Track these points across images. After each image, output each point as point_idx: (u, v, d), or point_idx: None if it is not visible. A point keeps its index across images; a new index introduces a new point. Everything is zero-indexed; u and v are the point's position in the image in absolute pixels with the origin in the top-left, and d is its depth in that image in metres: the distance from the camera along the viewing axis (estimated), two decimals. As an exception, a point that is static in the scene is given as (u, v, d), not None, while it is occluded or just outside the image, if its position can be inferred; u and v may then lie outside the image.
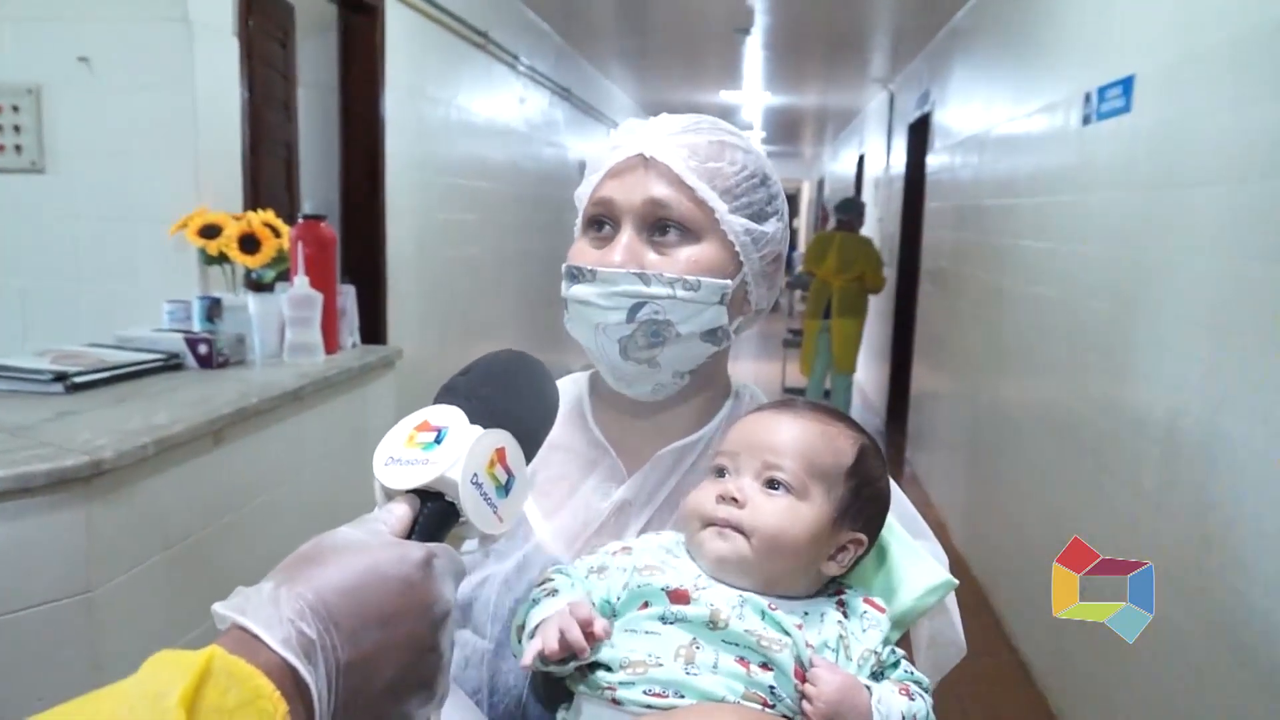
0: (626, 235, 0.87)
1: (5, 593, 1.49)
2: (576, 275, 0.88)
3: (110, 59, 2.62)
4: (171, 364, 2.27)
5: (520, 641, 0.78)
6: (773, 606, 0.77)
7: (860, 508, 0.83)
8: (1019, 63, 4.14)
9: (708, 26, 6.49)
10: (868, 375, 8.42)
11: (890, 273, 6.86)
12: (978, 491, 4.42)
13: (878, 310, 7.58)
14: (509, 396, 0.72)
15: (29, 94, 2.63)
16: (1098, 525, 2.75)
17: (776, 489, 0.80)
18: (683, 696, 0.73)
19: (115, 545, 1.64)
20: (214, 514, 1.96)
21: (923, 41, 6.39)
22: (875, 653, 0.78)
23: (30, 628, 1.51)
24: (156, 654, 0.48)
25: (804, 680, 0.74)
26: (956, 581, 0.86)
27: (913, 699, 0.77)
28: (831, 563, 0.82)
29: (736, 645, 0.74)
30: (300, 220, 2.51)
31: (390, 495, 0.63)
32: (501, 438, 0.66)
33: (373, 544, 0.57)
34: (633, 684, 0.74)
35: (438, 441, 0.64)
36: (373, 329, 3.71)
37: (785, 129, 13.32)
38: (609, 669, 0.75)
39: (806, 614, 0.78)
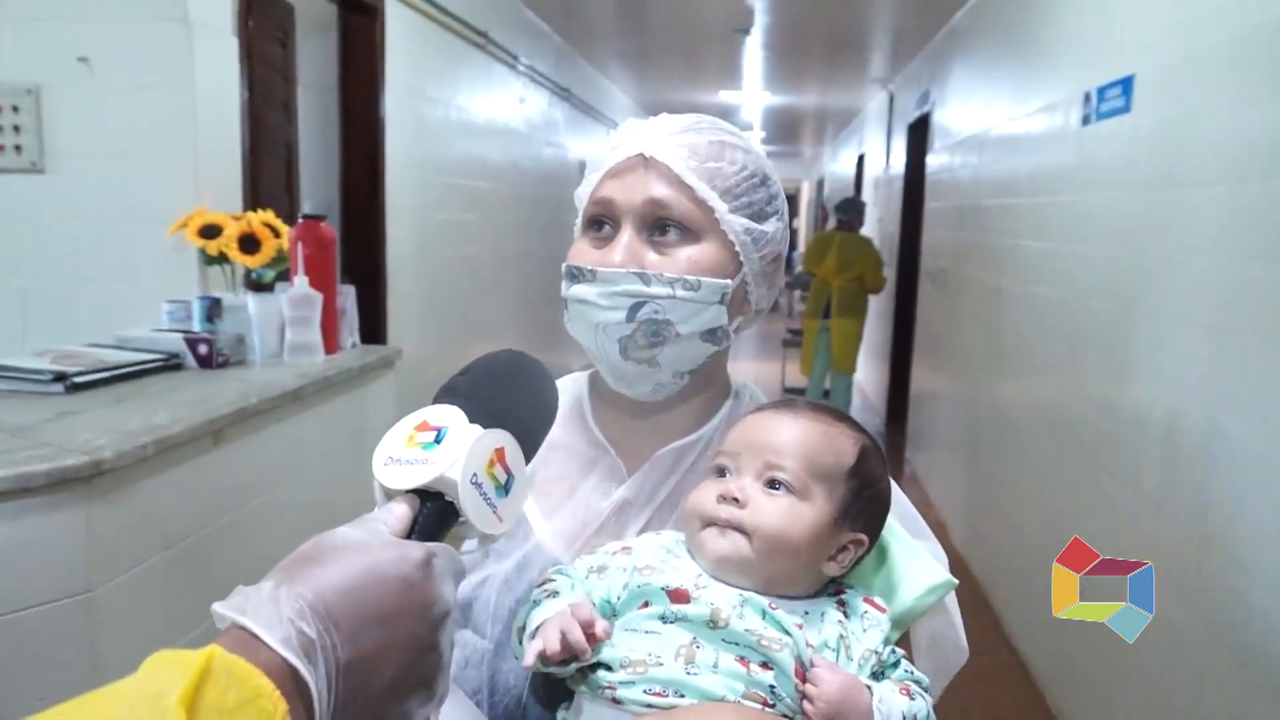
0: (626, 235, 0.87)
1: (5, 593, 1.49)
2: (576, 275, 0.88)
3: (110, 59, 2.62)
4: (171, 364, 2.27)
5: (521, 643, 0.78)
6: (773, 606, 0.77)
7: (861, 508, 0.83)
8: (1018, 63, 4.14)
9: (707, 27, 6.49)
10: (867, 375, 8.42)
11: (890, 273, 6.86)
12: (977, 491, 4.42)
13: (877, 310, 7.58)
14: (509, 396, 0.72)
15: (29, 94, 2.63)
16: (1097, 525, 2.75)
17: (778, 489, 0.80)
18: (683, 696, 0.73)
19: (115, 545, 1.64)
20: (214, 514, 1.96)
21: (922, 41, 6.39)
22: (876, 652, 0.78)
23: (30, 628, 1.51)
24: (156, 653, 0.48)
25: (804, 680, 0.74)
26: (956, 581, 0.86)
27: (913, 698, 0.77)
28: (832, 563, 0.82)
29: (737, 645, 0.74)
30: (300, 220, 2.51)
31: (390, 495, 0.63)
32: (501, 438, 0.66)
33: (372, 544, 0.57)
34: (633, 683, 0.74)
35: (437, 441, 0.64)
36: (372, 329, 3.71)
37: (785, 129, 13.32)
38: (609, 668, 0.75)
39: (807, 614, 0.78)
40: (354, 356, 2.64)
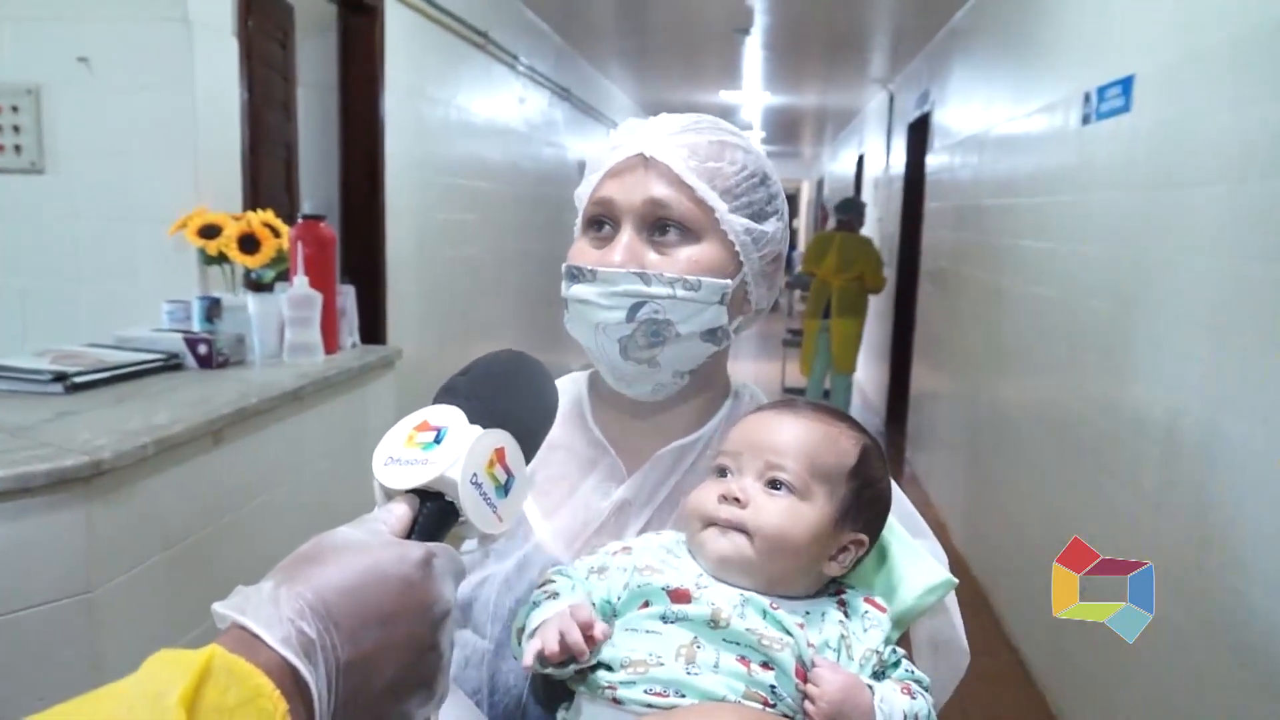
0: (626, 235, 0.87)
1: (5, 593, 1.49)
2: (577, 275, 0.88)
3: (110, 59, 2.62)
4: (171, 364, 2.27)
5: (520, 644, 0.78)
6: (774, 606, 0.77)
7: (862, 508, 0.83)
8: (1018, 63, 4.14)
9: (707, 27, 6.49)
10: (867, 375, 8.42)
11: (890, 273, 6.86)
12: (977, 491, 4.42)
13: (877, 310, 7.58)
14: (508, 396, 0.72)
15: (28, 94, 2.63)
16: (1097, 525, 2.75)
17: (779, 489, 0.80)
18: (684, 696, 0.73)
19: (115, 545, 1.64)
20: (214, 514, 1.96)
21: (922, 41, 6.39)
22: (877, 652, 0.78)
23: (30, 628, 1.51)
24: (156, 653, 0.48)
25: (805, 680, 0.74)
26: (956, 580, 0.86)
27: (914, 698, 0.77)
28: (833, 563, 0.82)
29: (737, 644, 0.74)
30: (300, 220, 2.51)
31: (390, 495, 0.63)
32: (501, 438, 0.66)
33: (372, 544, 0.57)
34: (634, 683, 0.74)
35: (437, 441, 0.64)
36: (372, 329, 3.71)
37: (785, 129, 13.32)
38: (610, 668, 0.75)
39: (808, 614, 0.78)
40: (354, 356, 2.64)
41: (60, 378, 1.95)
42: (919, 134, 6.61)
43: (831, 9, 5.98)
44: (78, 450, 1.56)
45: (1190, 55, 2.38)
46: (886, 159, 8.12)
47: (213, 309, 2.39)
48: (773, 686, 0.73)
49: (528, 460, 0.69)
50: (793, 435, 0.82)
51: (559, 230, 6.60)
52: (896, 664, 0.80)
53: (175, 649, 0.48)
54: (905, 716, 0.75)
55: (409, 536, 0.61)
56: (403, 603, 0.55)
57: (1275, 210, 1.93)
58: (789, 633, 0.75)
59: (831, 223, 7.13)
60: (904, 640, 0.86)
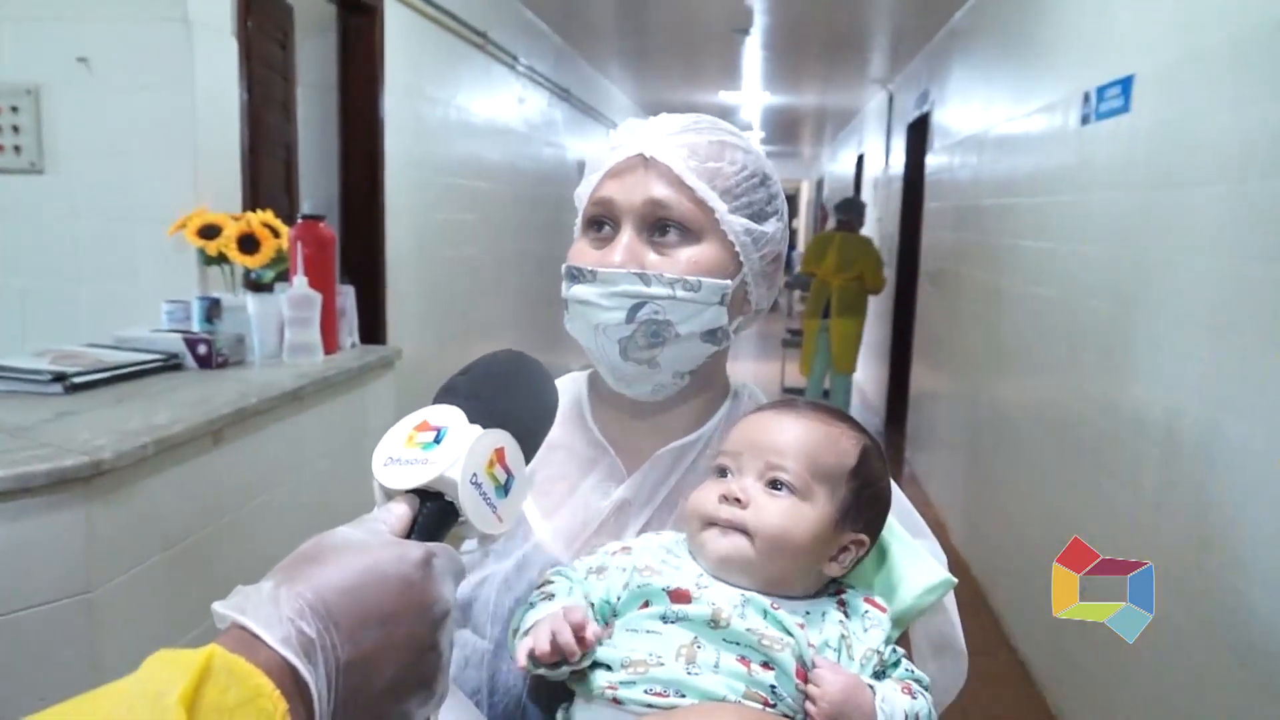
0: (627, 235, 0.87)
1: (5, 593, 1.49)
2: (577, 275, 0.88)
3: (109, 59, 2.62)
4: (171, 364, 2.27)
5: (516, 644, 0.79)
6: (775, 606, 0.77)
7: (862, 509, 0.83)
8: (1018, 63, 4.14)
9: (707, 27, 6.49)
10: (867, 375, 8.42)
11: (890, 273, 6.86)
12: (977, 491, 4.42)
13: (877, 310, 7.58)
14: (508, 396, 0.72)
15: (28, 94, 2.63)
16: (1097, 525, 2.75)
17: (779, 490, 0.80)
18: (684, 696, 0.73)
19: (115, 545, 1.64)
20: (213, 514, 1.96)
21: (922, 42, 6.39)
22: (878, 652, 0.79)
23: (30, 628, 1.51)
24: (156, 653, 0.48)
25: (805, 680, 0.74)
26: (955, 580, 0.86)
27: (915, 697, 0.77)
28: (833, 563, 0.82)
29: (738, 644, 0.74)
30: (299, 220, 2.51)
31: (390, 495, 0.63)
32: (501, 438, 0.66)
33: (372, 543, 0.57)
34: (634, 683, 0.74)
35: (437, 441, 0.64)
36: (372, 329, 3.71)
37: (784, 129, 13.32)
38: (609, 668, 0.75)
39: (808, 614, 0.78)
40: (353, 357, 2.64)
41: (60, 378, 1.95)
42: (918, 134, 6.61)
43: (831, 9, 5.98)
44: (77, 450, 1.56)
45: (1190, 55, 2.38)
46: (886, 159, 8.12)
47: (212, 309, 2.39)
48: (773, 686, 0.73)
49: (528, 460, 0.69)
50: (793, 436, 0.82)
51: (558, 230, 6.60)
52: (897, 664, 0.80)
53: (175, 649, 0.48)
54: (906, 716, 0.75)
55: (409, 536, 0.61)
56: (402, 602, 0.55)
57: (1275, 210, 1.93)
58: (789, 633, 0.75)
59: (831, 223, 7.14)
60: (903, 640, 0.86)
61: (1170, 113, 2.48)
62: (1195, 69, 2.34)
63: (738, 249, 0.88)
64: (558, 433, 0.86)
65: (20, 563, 1.51)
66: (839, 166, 13.45)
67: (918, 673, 0.80)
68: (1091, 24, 3.18)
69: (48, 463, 1.51)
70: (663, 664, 0.74)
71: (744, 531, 0.78)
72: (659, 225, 0.87)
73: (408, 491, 0.63)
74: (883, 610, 0.82)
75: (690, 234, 0.87)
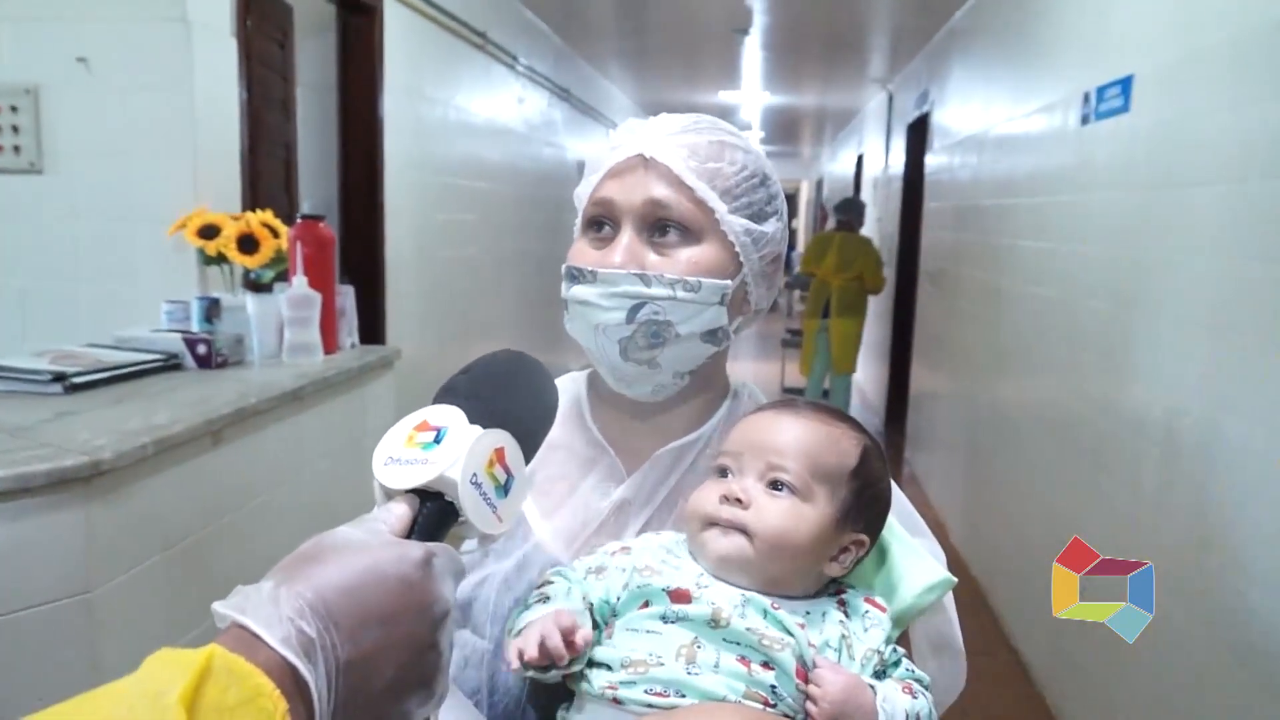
0: (627, 236, 0.87)
1: (4, 593, 1.49)
2: (577, 276, 0.88)
3: (109, 59, 2.62)
4: (170, 364, 2.27)
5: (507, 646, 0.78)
6: (775, 606, 0.77)
7: (863, 509, 0.83)
8: (1018, 63, 4.14)
9: (706, 27, 6.49)
10: (867, 375, 8.42)
11: (889, 273, 6.86)
12: (976, 491, 4.42)
13: (877, 310, 7.58)
14: (508, 396, 0.72)
15: (27, 94, 2.63)
16: (1097, 525, 2.75)
17: (780, 490, 0.80)
18: (684, 696, 0.72)
19: (114, 545, 1.64)
20: (213, 514, 1.96)
21: (921, 42, 6.39)
22: (878, 652, 0.78)
23: (29, 628, 1.51)
24: (156, 652, 0.48)
25: (805, 680, 0.74)
26: (955, 580, 0.86)
27: (915, 697, 0.77)
28: (834, 564, 0.82)
29: (738, 644, 0.74)
30: (299, 220, 2.51)
31: (390, 495, 0.63)
32: (501, 438, 0.66)
33: (372, 543, 0.57)
34: (634, 683, 0.74)
35: (437, 441, 0.64)
36: (371, 329, 3.71)
37: (784, 129, 13.32)
38: (609, 668, 0.75)
39: (808, 614, 0.78)
40: (353, 357, 2.64)
41: (59, 378, 1.95)
42: (918, 134, 6.61)
43: (831, 9, 5.98)
44: (77, 450, 1.56)
45: (1190, 55, 2.38)
46: (886, 159, 8.12)
47: (212, 309, 2.39)
48: (773, 686, 0.73)
49: (527, 460, 0.69)
50: (794, 436, 0.82)
51: (558, 230, 6.60)
52: (897, 663, 0.80)
53: (175, 648, 0.48)
54: (907, 716, 0.75)
55: (409, 536, 0.61)
56: (402, 602, 0.55)
57: (1275, 210, 1.93)
58: (790, 633, 0.75)
59: (831, 222, 7.14)
60: (904, 640, 0.86)
61: (1170, 113, 2.48)
62: (1195, 69, 2.34)
63: (738, 249, 0.88)
64: (557, 433, 0.86)
65: (20, 563, 1.51)
66: (839, 166, 13.45)
67: (918, 672, 0.80)
68: (1091, 24, 3.18)
69: (47, 463, 1.51)
70: (663, 664, 0.74)
71: (744, 532, 0.78)
72: (659, 225, 0.87)
73: (408, 491, 0.63)
74: (883, 610, 0.82)
75: (690, 234, 0.87)
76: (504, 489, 0.66)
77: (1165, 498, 2.37)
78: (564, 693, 0.80)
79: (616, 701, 0.74)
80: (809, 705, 0.73)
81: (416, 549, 0.58)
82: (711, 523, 0.80)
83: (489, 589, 0.88)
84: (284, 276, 2.51)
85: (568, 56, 7.35)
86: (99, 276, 2.70)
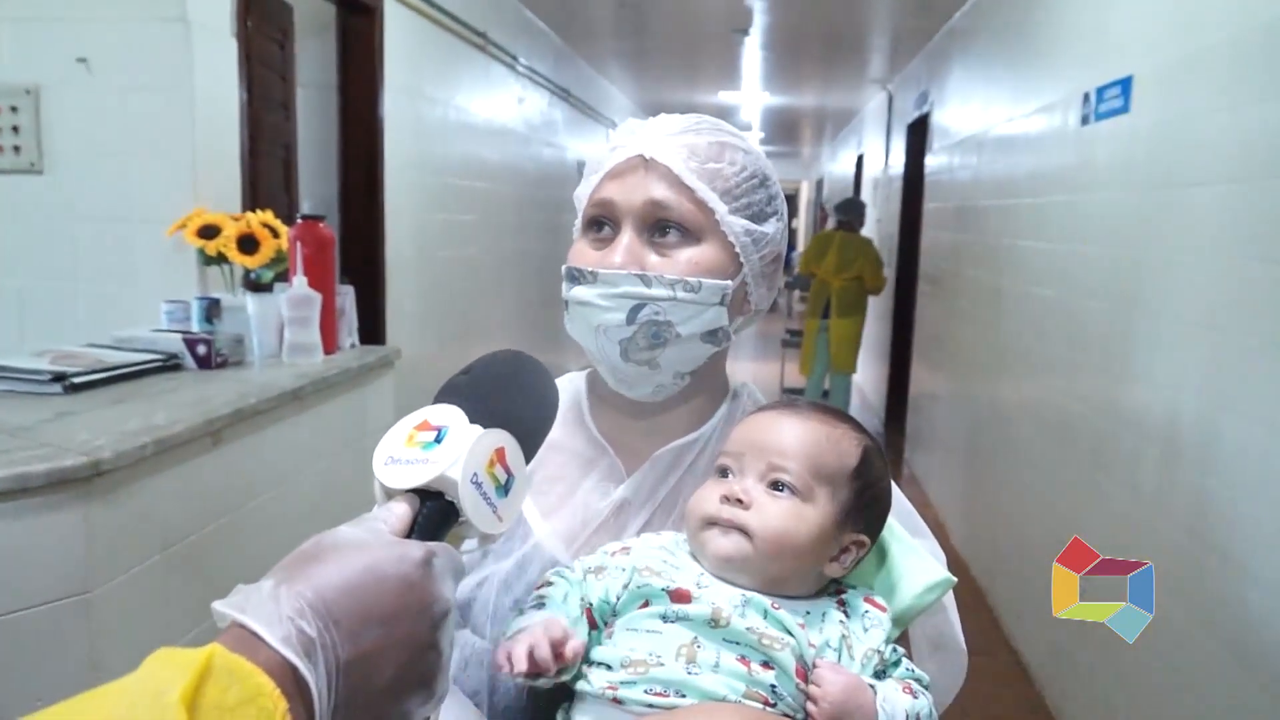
0: (627, 236, 0.87)
1: (4, 593, 1.49)
2: (577, 277, 0.88)
3: (109, 59, 2.62)
4: (170, 364, 2.26)
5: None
6: (775, 606, 0.77)
7: (863, 509, 0.83)
8: (1017, 63, 4.14)
9: (706, 27, 6.49)
10: (866, 375, 8.42)
11: (889, 273, 6.86)
12: (976, 492, 4.43)
13: (876, 311, 7.58)
14: (509, 396, 0.72)
15: (27, 94, 2.63)
16: (1096, 525, 2.75)
17: (781, 490, 0.80)
18: (684, 696, 0.72)
19: (114, 546, 1.64)
20: (213, 514, 1.96)
21: (921, 42, 6.40)
22: (878, 652, 0.78)
23: (29, 628, 1.51)
24: (157, 651, 0.48)
25: (805, 680, 0.74)
26: (955, 579, 0.86)
27: (916, 697, 0.77)
28: (834, 564, 0.82)
29: (738, 644, 0.74)
30: (299, 220, 2.51)
31: (390, 494, 0.63)
32: (501, 437, 0.66)
33: (373, 543, 0.57)
34: (634, 683, 0.74)
35: (438, 441, 0.64)
36: (371, 329, 3.71)
37: (784, 129, 13.33)
38: (609, 668, 0.75)
39: (808, 614, 0.78)
40: (353, 357, 2.64)
41: (59, 378, 1.95)
42: (918, 134, 6.62)
43: (830, 9, 5.98)
44: (76, 450, 1.56)
45: (1189, 55, 2.38)
46: (885, 159, 8.12)
47: (212, 309, 2.39)
48: (773, 686, 0.73)
49: (528, 460, 0.69)
50: (795, 437, 0.82)
51: (558, 231, 6.60)
52: (897, 663, 0.80)
53: (175, 648, 0.48)
54: (907, 716, 0.75)
55: (409, 536, 0.61)
56: (403, 602, 0.55)
57: (1275, 210, 1.93)
58: (789, 632, 0.75)
59: (831, 223, 7.14)
60: (903, 639, 0.86)
61: (1170, 113, 2.48)
62: (1195, 69, 2.34)
63: (738, 250, 0.88)
64: (557, 433, 0.85)
65: (19, 563, 1.51)
66: (839, 167, 13.45)
67: (918, 672, 0.80)
68: (1091, 24, 3.19)
69: (47, 463, 1.51)
70: (663, 664, 0.74)
71: (745, 532, 0.78)
72: (659, 226, 0.87)
73: (408, 491, 0.63)
74: (883, 610, 0.82)
75: (690, 235, 0.87)
76: (504, 489, 0.66)
77: (1164, 498, 2.37)
78: (564, 692, 0.79)
79: (616, 701, 0.74)
80: (809, 705, 0.73)
81: (417, 549, 0.58)
82: (712, 523, 0.80)
83: (489, 589, 0.88)
84: (284, 276, 2.51)
85: (567, 57, 7.35)
86: (98, 277, 2.70)
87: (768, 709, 0.73)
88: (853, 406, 7.41)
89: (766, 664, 0.74)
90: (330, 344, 2.55)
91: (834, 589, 0.83)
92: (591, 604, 0.79)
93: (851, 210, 6.80)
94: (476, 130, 5.21)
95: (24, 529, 1.50)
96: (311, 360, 2.43)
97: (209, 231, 2.46)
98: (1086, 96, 3.06)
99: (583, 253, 0.90)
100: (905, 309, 6.75)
